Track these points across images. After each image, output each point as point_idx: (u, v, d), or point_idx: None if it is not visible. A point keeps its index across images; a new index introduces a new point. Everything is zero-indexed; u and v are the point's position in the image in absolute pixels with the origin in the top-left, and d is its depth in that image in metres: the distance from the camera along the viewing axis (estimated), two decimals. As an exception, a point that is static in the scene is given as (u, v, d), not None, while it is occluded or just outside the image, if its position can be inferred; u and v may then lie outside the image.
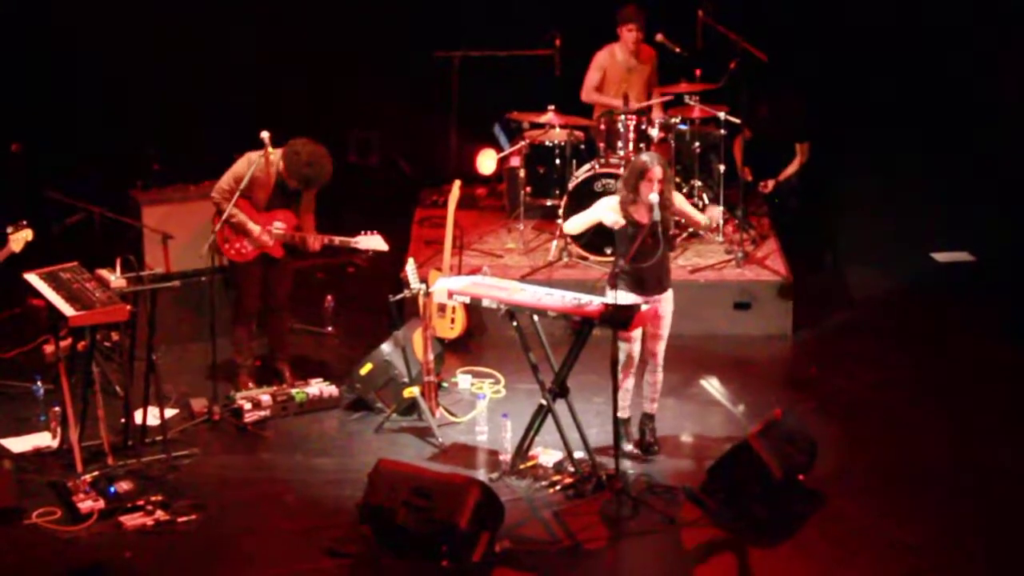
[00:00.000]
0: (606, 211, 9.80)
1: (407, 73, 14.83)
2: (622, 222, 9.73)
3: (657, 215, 9.54)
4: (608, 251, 11.85)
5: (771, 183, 13.86)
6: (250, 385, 10.91)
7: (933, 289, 13.14)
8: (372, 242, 10.94)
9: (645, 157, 9.71)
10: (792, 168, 13.93)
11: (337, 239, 10.85)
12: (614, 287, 9.56)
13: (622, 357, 9.76)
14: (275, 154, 10.70)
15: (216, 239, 10.68)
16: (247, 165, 10.65)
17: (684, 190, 12.91)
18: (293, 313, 12.25)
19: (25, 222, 10.39)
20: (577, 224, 9.98)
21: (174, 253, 11.55)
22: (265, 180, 10.72)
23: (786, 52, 13.53)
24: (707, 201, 13.04)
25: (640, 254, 9.56)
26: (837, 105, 14.52)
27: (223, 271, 10.92)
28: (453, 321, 11.88)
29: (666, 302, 9.90)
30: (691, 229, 12.90)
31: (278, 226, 10.78)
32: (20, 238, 10.23)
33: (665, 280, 9.89)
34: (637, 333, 9.85)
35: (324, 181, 10.71)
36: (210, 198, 10.78)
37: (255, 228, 10.72)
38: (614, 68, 13.38)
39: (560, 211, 12.55)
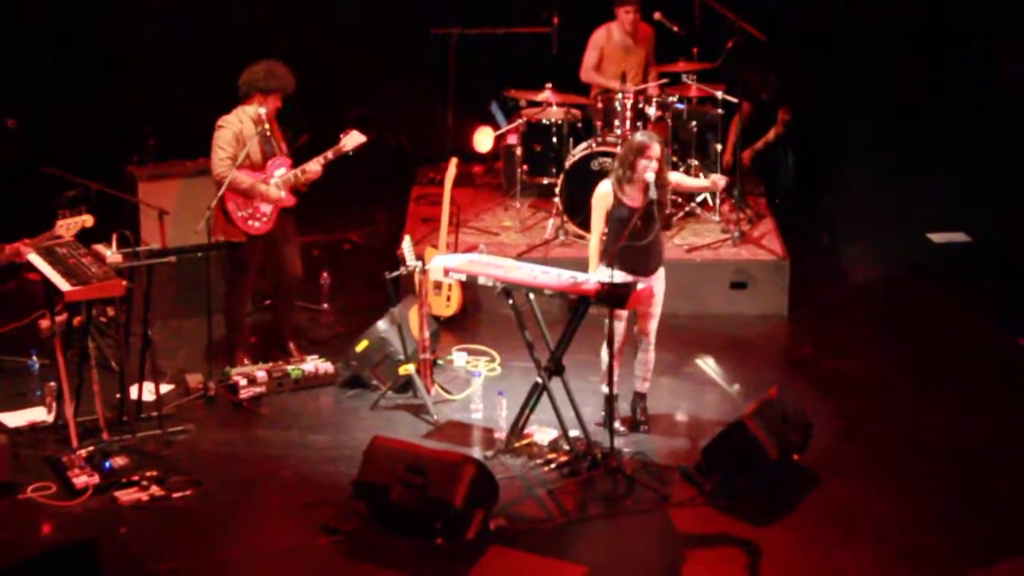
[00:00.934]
0: (597, 208, 9.79)
1: (404, 50, 14.81)
2: (612, 201, 9.71)
3: (653, 193, 9.53)
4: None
5: (747, 153, 13.78)
6: (246, 362, 10.91)
7: (929, 270, 13.15)
8: (353, 139, 10.94)
9: (642, 136, 9.70)
10: (770, 135, 13.88)
11: (329, 153, 10.86)
12: (609, 267, 9.55)
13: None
14: (248, 110, 10.71)
15: (223, 217, 10.65)
16: (232, 125, 10.67)
17: (681, 169, 12.91)
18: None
19: (84, 206, 10.19)
20: (598, 226, 9.91)
21: (170, 228, 11.57)
22: (246, 135, 10.69)
23: (782, 29, 13.54)
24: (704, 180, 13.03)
25: (633, 235, 9.56)
26: (835, 82, 14.53)
27: (219, 247, 10.90)
28: (449, 299, 11.88)
29: (658, 281, 9.89)
30: (688, 208, 12.91)
31: (281, 172, 10.79)
32: (73, 223, 9.63)
33: (659, 259, 9.88)
34: (625, 313, 9.83)
35: (293, 80, 10.85)
36: (214, 175, 10.66)
37: (267, 188, 10.71)
38: (611, 47, 13.36)
39: (557, 189, 12.55)
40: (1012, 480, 9.50)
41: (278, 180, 10.73)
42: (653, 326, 9.98)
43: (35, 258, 9.68)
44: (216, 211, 10.63)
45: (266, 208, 10.74)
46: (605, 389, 9.83)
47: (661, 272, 9.91)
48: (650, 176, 9.53)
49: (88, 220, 9.61)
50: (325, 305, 12.25)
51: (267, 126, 10.76)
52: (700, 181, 10.13)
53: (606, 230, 9.77)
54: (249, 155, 10.64)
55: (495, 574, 8.51)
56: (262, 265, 11.00)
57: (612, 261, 9.49)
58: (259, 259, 10.93)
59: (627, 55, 13.30)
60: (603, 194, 9.77)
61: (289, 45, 13.35)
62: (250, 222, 10.72)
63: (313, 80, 14.21)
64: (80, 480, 9.15)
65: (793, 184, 14.01)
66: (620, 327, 9.84)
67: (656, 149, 9.58)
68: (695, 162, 13.08)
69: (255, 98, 10.72)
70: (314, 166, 10.81)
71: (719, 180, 10.05)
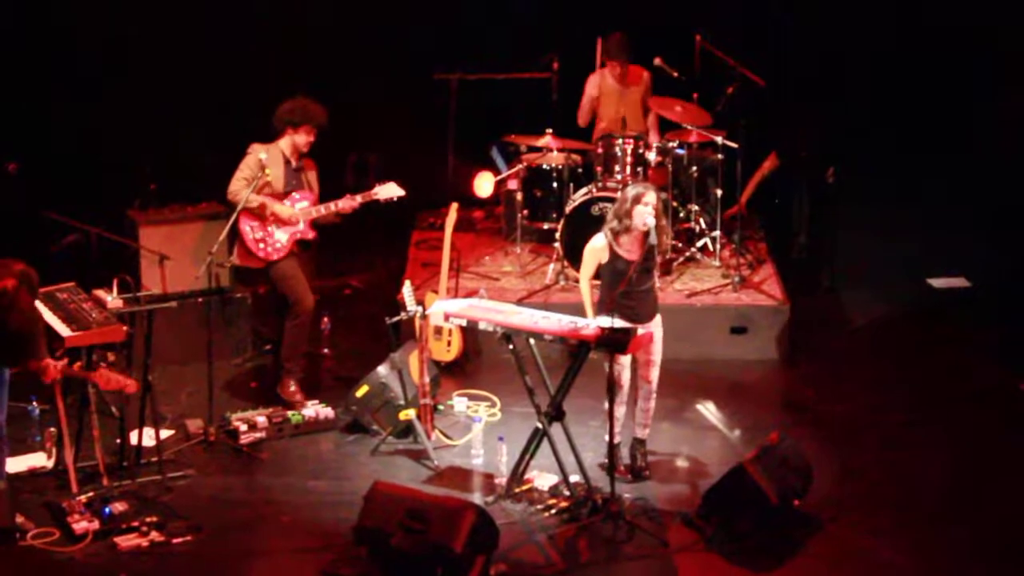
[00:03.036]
0: (589, 257, 9.83)
1: (405, 95, 14.85)
2: (607, 254, 9.74)
3: (653, 239, 9.56)
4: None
5: (735, 209, 13.77)
6: (296, 394, 11.04)
7: (929, 314, 13.14)
8: (389, 190, 11.20)
9: (639, 186, 9.76)
10: (754, 180, 13.86)
11: (359, 196, 11.07)
12: (609, 312, 9.55)
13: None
14: (281, 143, 10.95)
15: (239, 240, 10.75)
16: (261, 153, 10.87)
17: (681, 214, 12.93)
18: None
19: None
20: (587, 273, 9.98)
21: (171, 274, 11.56)
22: (276, 163, 10.91)
23: (784, 75, 13.60)
24: (704, 225, 13.05)
25: (630, 285, 9.59)
26: (838, 128, 14.58)
27: (220, 292, 10.94)
28: (449, 344, 11.88)
29: (656, 328, 9.91)
30: (688, 253, 12.92)
31: (303, 206, 10.90)
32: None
33: (654, 306, 9.90)
34: (626, 360, 9.84)
35: (324, 114, 11.04)
36: (228, 193, 10.85)
37: (284, 209, 10.83)
38: (607, 91, 13.39)
39: (557, 234, 12.57)
40: (1015, 522, 9.48)
41: (299, 211, 10.91)
42: (654, 374, 9.99)
43: (36, 303, 9.69)
44: (247, 238, 10.90)
45: (281, 236, 10.84)
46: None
47: (658, 319, 9.93)
48: (650, 221, 9.55)
49: (131, 386, 9.36)
50: (326, 350, 12.24)
51: (298, 161, 10.93)
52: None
53: (596, 281, 9.82)
54: (271, 183, 10.79)
55: (496, 620, 8.52)
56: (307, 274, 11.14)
57: (612, 307, 9.51)
58: (302, 270, 11.08)
59: (622, 98, 13.32)
60: (598, 248, 9.80)
61: (289, 89, 13.42)
62: (261, 245, 10.82)
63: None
64: (80, 526, 9.13)
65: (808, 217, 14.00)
66: (625, 375, 9.84)
67: (652, 196, 9.62)
68: (695, 207, 13.10)
69: (286, 132, 10.87)
70: (344, 204, 11.01)
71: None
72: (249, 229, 10.87)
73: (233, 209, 10.79)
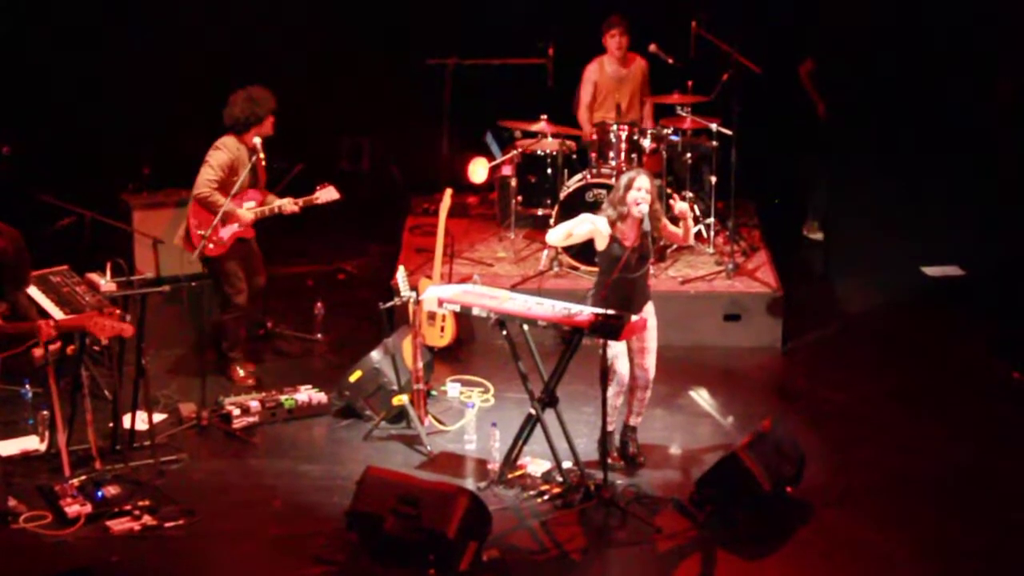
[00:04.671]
0: (584, 223, 9.75)
1: (399, 80, 14.83)
2: (606, 239, 9.70)
3: (647, 225, 9.55)
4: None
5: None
6: (247, 378, 11.08)
7: (923, 302, 13.16)
8: (329, 193, 11.19)
9: (632, 171, 9.73)
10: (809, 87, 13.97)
11: (301, 201, 11.08)
12: (603, 300, 9.55)
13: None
14: (243, 146, 10.91)
15: (199, 238, 10.77)
16: (231, 151, 10.83)
17: (671, 199, 12.91)
18: (283, 319, 12.29)
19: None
20: (559, 235, 9.90)
21: (164, 257, 11.56)
22: (241, 164, 10.89)
23: (782, 61, 13.60)
24: (698, 213, 13.04)
25: (625, 269, 9.57)
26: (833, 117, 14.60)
27: (208, 276, 10.99)
28: (443, 329, 11.87)
29: (649, 316, 9.90)
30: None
31: (250, 205, 10.95)
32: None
33: (646, 295, 9.89)
34: (622, 348, 9.82)
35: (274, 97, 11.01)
36: (196, 194, 10.80)
37: (245, 214, 10.96)
38: (604, 79, 13.40)
39: (551, 221, 12.56)
40: (1009, 513, 9.49)
41: (247, 210, 10.96)
42: (650, 361, 9.97)
43: (32, 290, 9.70)
44: (184, 223, 10.96)
45: (224, 233, 10.86)
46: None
47: (650, 307, 9.91)
48: (644, 208, 9.54)
49: (128, 330, 9.24)
50: (319, 335, 12.24)
51: (261, 155, 10.86)
52: (677, 229, 10.02)
53: (569, 234, 9.75)
54: (236, 182, 10.81)
55: (488, 605, 8.53)
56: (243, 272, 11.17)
57: (606, 295, 9.51)
58: (243, 265, 11.12)
59: (620, 85, 13.33)
60: (599, 228, 9.71)
61: (284, 74, 13.42)
62: (205, 242, 10.81)
63: (308, 109, 14.33)
64: (72, 509, 9.12)
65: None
66: (622, 363, 9.82)
67: (644, 181, 9.60)
68: (690, 194, 13.09)
69: (252, 129, 10.82)
70: (287, 207, 11.03)
71: (683, 208, 9.92)
72: (196, 223, 10.88)
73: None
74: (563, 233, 9.82)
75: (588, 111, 13.48)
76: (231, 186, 10.79)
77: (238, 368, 11.27)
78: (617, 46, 13.24)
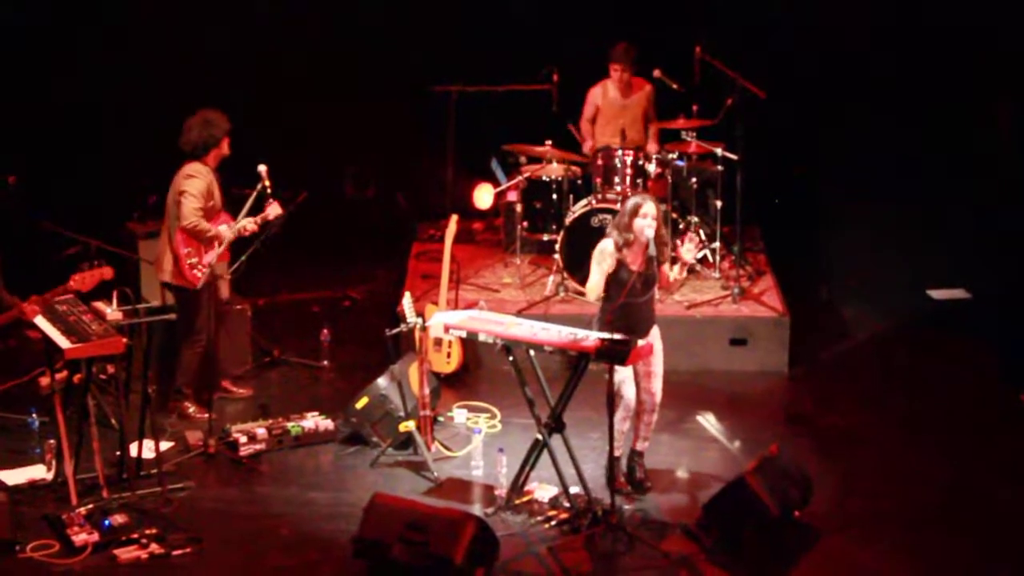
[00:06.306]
0: (603, 258, 9.74)
1: (405, 107, 14.86)
2: (613, 265, 9.70)
3: (653, 250, 9.56)
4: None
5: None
6: (197, 413, 11.00)
7: (929, 326, 13.14)
8: (275, 209, 11.02)
9: (636, 197, 9.73)
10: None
11: (258, 218, 10.94)
12: (609, 325, 9.54)
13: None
14: (209, 169, 10.87)
15: (174, 262, 10.76)
16: (204, 177, 10.81)
17: (681, 226, 12.93)
18: (289, 348, 12.30)
19: (102, 259, 10.38)
20: (595, 283, 9.76)
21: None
22: (213, 187, 10.89)
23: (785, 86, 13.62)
24: (703, 237, 13.04)
25: (631, 293, 9.58)
26: (837, 140, 14.61)
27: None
28: (449, 355, 11.88)
29: (656, 340, 9.90)
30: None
31: (223, 228, 10.93)
32: (90, 276, 9.67)
33: (652, 319, 9.89)
34: (628, 373, 9.81)
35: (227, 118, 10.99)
36: (186, 223, 10.73)
37: (228, 234, 10.87)
38: (607, 104, 13.40)
39: (557, 246, 12.57)
40: (1014, 540, 9.47)
41: (225, 231, 10.92)
42: (657, 385, 9.96)
43: (37, 318, 9.71)
44: (169, 255, 10.83)
45: (208, 259, 10.83)
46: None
47: (656, 331, 9.91)
48: (649, 233, 9.55)
49: (107, 272, 9.66)
50: (325, 362, 12.24)
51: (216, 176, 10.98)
52: (672, 272, 10.00)
53: (603, 277, 9.75)
54: (214, 205, 10.86)
55: (496, 632, 8.52)
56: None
57: (612, 319, 9.50)
58: (208, 303, 10.99)
59: (623, 111, 13.33)
60: (607, 252, 9.73)
61: (291, 101, 13.46)
62: (195, 271, 10.81)
63: (313, 136, 14.37)
64: (79, 538, 9.12)
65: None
66: (628, 388, 9.81)
67: (650, 207, 9.60)
68: (695, 219, 13.10)
69: (211, 152, 10.85)
70: (249, 227, 10.96)
71: (687, 256, 9.91)
72: (187, 253, 10.81)
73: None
74: (597, 280, 9.74)
75: (589, 124, 13.49)
76: (210, 211, 10.81)
77: (189, 405, 11.15)
78: (619, 80, 13.25)
